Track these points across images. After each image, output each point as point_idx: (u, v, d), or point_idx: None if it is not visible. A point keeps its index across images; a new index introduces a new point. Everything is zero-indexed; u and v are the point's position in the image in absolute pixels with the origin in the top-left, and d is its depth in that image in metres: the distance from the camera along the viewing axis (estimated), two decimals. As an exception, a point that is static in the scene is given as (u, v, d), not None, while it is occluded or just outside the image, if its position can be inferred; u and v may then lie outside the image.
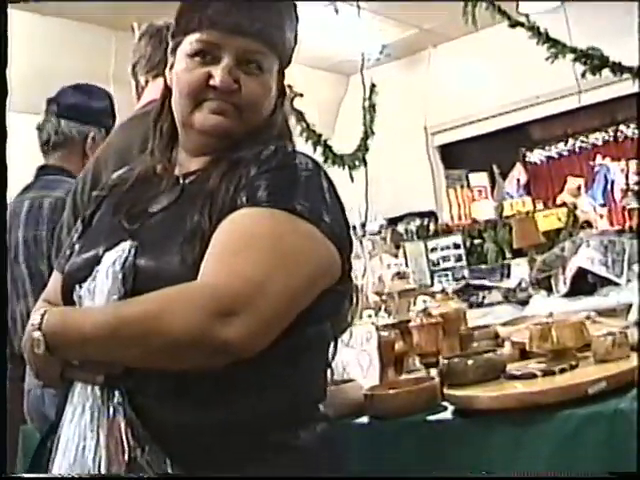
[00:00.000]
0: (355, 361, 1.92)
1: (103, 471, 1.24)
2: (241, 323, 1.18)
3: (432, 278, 5.70)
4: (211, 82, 1.41)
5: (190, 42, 1.43)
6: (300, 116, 7.20)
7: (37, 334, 1.29)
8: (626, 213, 7.50)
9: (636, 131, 8.97)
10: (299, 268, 1.26)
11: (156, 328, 1.20)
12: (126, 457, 1.24)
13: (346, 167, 7.67)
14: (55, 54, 6.31)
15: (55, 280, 1.53)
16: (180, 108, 1.46)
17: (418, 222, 7.17)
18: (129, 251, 1.34)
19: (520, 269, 4.58)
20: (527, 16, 6.44)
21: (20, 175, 2.47)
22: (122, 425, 1.26)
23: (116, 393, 1.28)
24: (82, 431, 1.28)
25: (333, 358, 1.48)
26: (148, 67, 2.36)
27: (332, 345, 1.47)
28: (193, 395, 1.28)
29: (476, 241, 6.43)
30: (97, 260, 1.37)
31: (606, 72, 6.24)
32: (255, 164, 1.36)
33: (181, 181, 1.45)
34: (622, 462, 1.33)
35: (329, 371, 1.49)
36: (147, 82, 2.37)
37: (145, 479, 1.24)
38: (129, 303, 1.27)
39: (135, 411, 1.27)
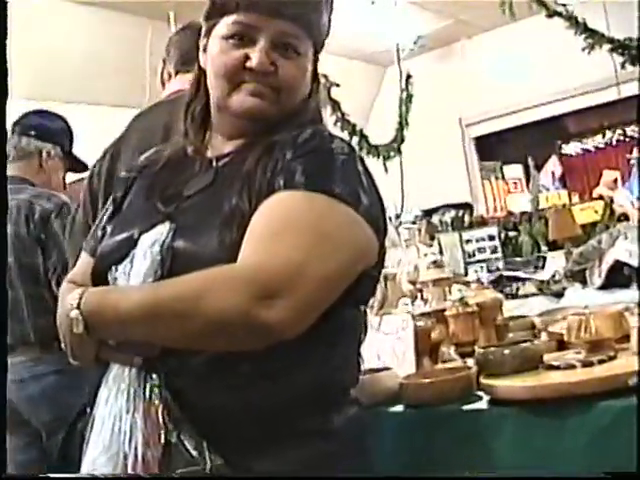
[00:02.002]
0: (391, 349, 1.91)
1: (140, 452, 1.24)
2: (282, 305, 1.17)
3: (466, 270, 5.66)
4: (247, 64, 1.39)
5: (226, 24, 1.42)
6: (336, 106, 7.20)
7: (75, 313, 1.28)
8: (664, 207, 7.41)
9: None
10: (339, 250, 1.25)
11: (196, 309, 1.19)
12: (162, 439, 1.24)
13: (381, 157, 7.66)
14: (94, 44, 6.34)
15: (84, 262, 1.52)
16: (216, 90, 1.45)
17: (453, 213, 7.13)
18: (167, 233, 1.34)
19: (555, 262, 4.54)
20: (565, 6, 6.38)
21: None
22: (159, 407, 1.26)
23: (153, 375, 1.28)
24: (118, 412, 1.28)
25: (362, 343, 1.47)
26: (181, 60, 2.36)
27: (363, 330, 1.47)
28: (227, 378, 1.27)
29: (511, 233, 6.38)
30: (132, 242, 1.37)
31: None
32: (291, 147, 1.36)
33: (214, 164, 1.45)
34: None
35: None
36: (177, 73, 2.38)
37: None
38: (168, 283, 1.26)
39: (171, 393, 1.27)
